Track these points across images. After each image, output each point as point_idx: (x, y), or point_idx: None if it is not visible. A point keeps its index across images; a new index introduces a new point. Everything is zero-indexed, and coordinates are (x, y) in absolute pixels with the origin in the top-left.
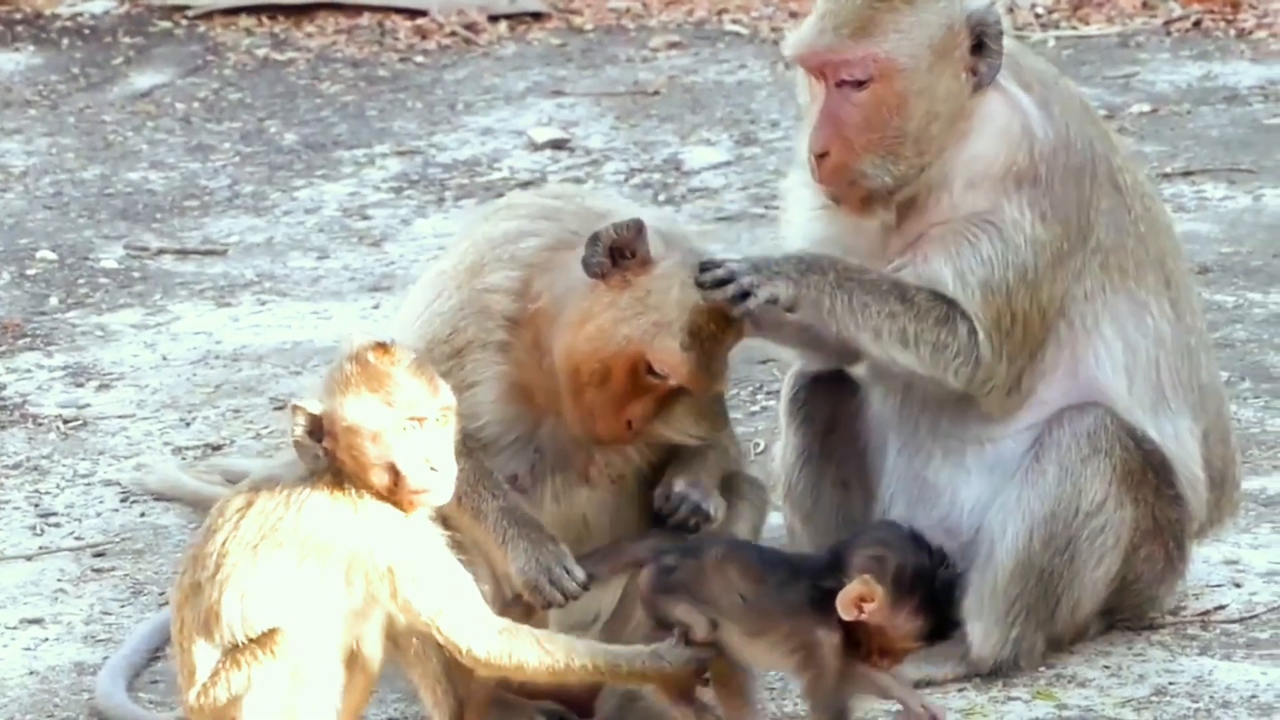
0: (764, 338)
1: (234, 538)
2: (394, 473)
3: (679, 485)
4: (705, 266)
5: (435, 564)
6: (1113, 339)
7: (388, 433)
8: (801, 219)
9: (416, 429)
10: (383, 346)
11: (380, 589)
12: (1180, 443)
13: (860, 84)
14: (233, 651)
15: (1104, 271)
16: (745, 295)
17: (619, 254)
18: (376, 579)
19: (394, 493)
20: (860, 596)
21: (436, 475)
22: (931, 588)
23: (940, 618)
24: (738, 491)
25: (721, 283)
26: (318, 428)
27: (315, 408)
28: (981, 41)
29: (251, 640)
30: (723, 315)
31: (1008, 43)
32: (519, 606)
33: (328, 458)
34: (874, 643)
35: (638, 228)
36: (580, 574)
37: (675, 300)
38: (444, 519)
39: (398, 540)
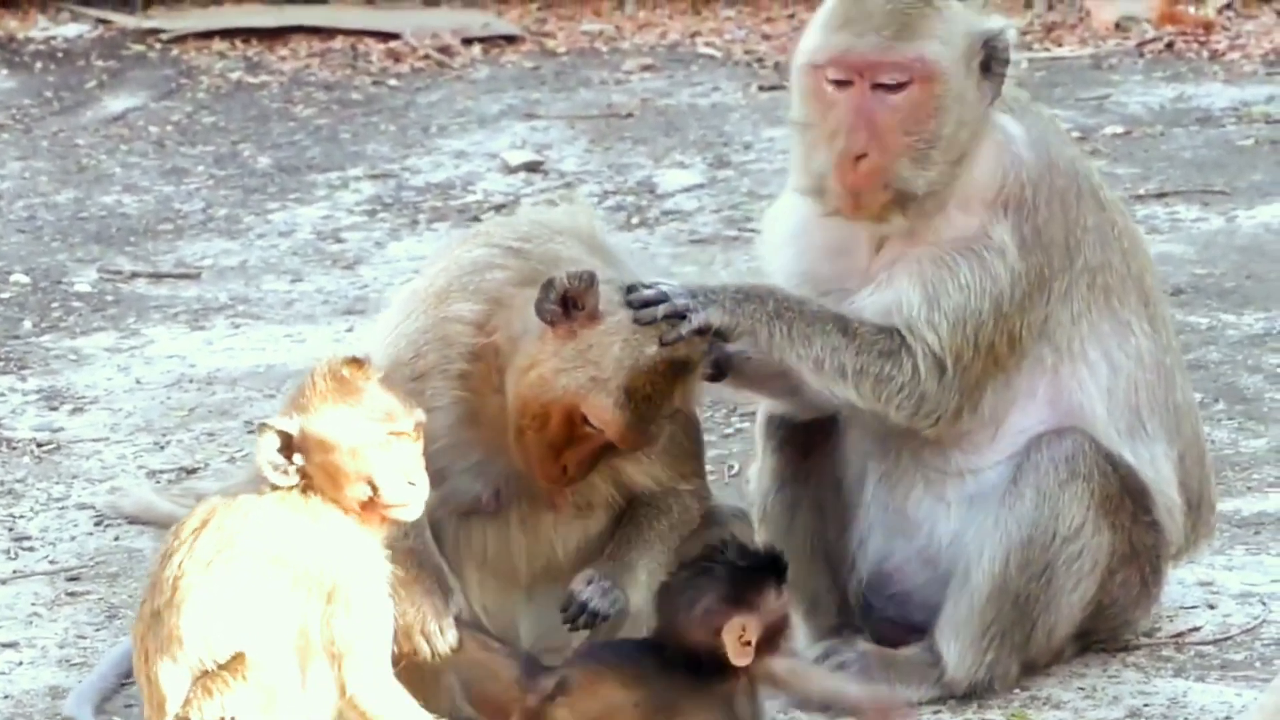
0: (736, 386)
1: (189, 558)
2: (371, 487)
3: (577, 583)
4: (633, 288)
5: (372, 597)
6: (1098, 361)
7: (367, 447)
8: (783, 240)
9: (395, 443)
10: (356, 361)
11: (317, 603)
12: (1156, 468)
13: (897, 87)
14: (202, 679)
15: (1091, 292)
16: (680, 318)
17: (571, 303)
18: (319, 593)
19: (368, 508)
20: (738, 639)
21: (413, 489)
22: (749, 569)
23: (770, 564)
24: (720, 523)
25: (650, 304)
26: (289, 446)
27: (287, 425)
28: (989, 62)
29: (220, 665)
30: (663, 376)
31: None
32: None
33: (298, 475)
34: (766, 644)
35: (590, 280)
36: (452, 637)
37: (614, 358)
38: None
39: (351, 560)
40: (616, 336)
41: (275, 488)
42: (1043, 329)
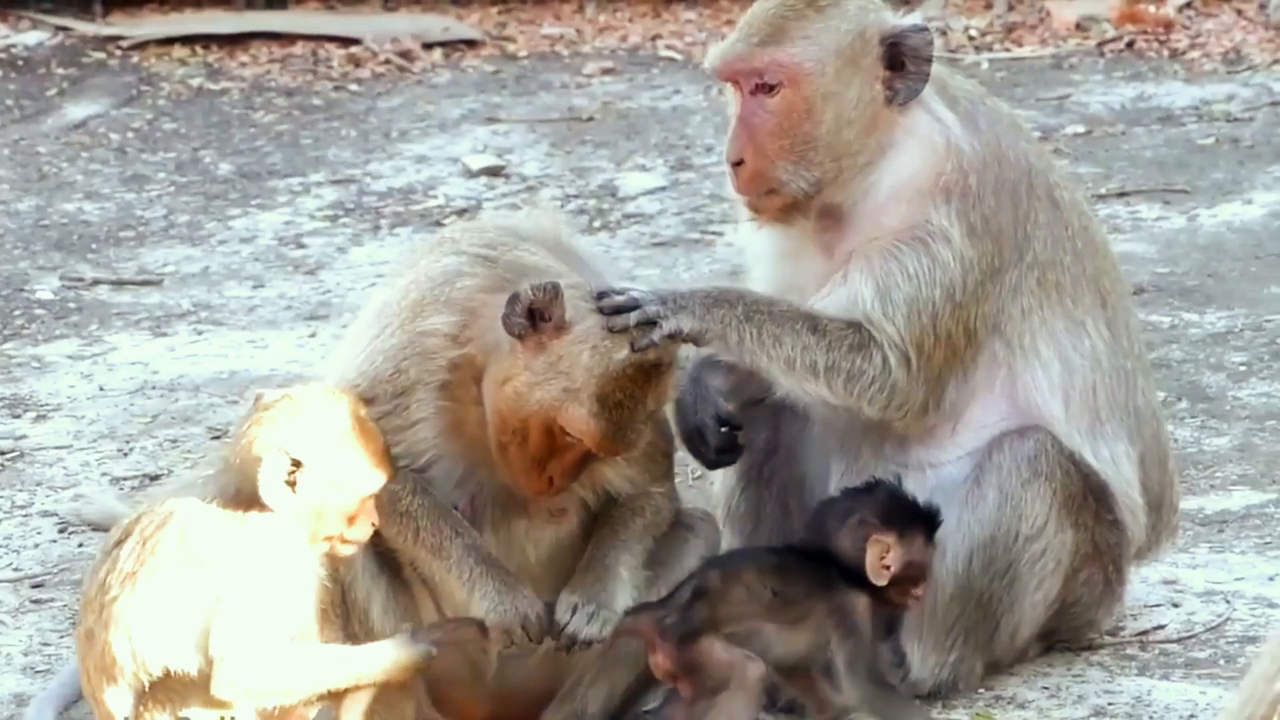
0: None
1: (113, 573)
2: (348, 524)
3: (561, 611)
4: (604, 294)
5: (264, 596)
6: (1050, 359)
7: (367, 493)
8: (753, 249)
9: (381, 488)
10: (368, 404)
11: (212, 593)
12: (1118, 467)
13: (771, 90)
14: (145, 696)
15: (1041, 288)
16: (651, 324)
17: (537, 315)
18: (218, 586)
19: (327, 537)
20: (880, 557)
21: (369, 531)
22: (908, 505)
23: (927, 517)
24: (688, 526)
25: (621, 310)
26: (293, 471)
27: (300, 454)
28: (902, 60)
29: (158, 680)
30: (635, 380)
31: (937, 66)
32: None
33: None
34: (899, 585)
35: (554, 292)
36: (546, 619)
37: (585, 367)
38: (393, 550)
39: (268, 559)
40: (585, 345)
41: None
42: (994, 322)
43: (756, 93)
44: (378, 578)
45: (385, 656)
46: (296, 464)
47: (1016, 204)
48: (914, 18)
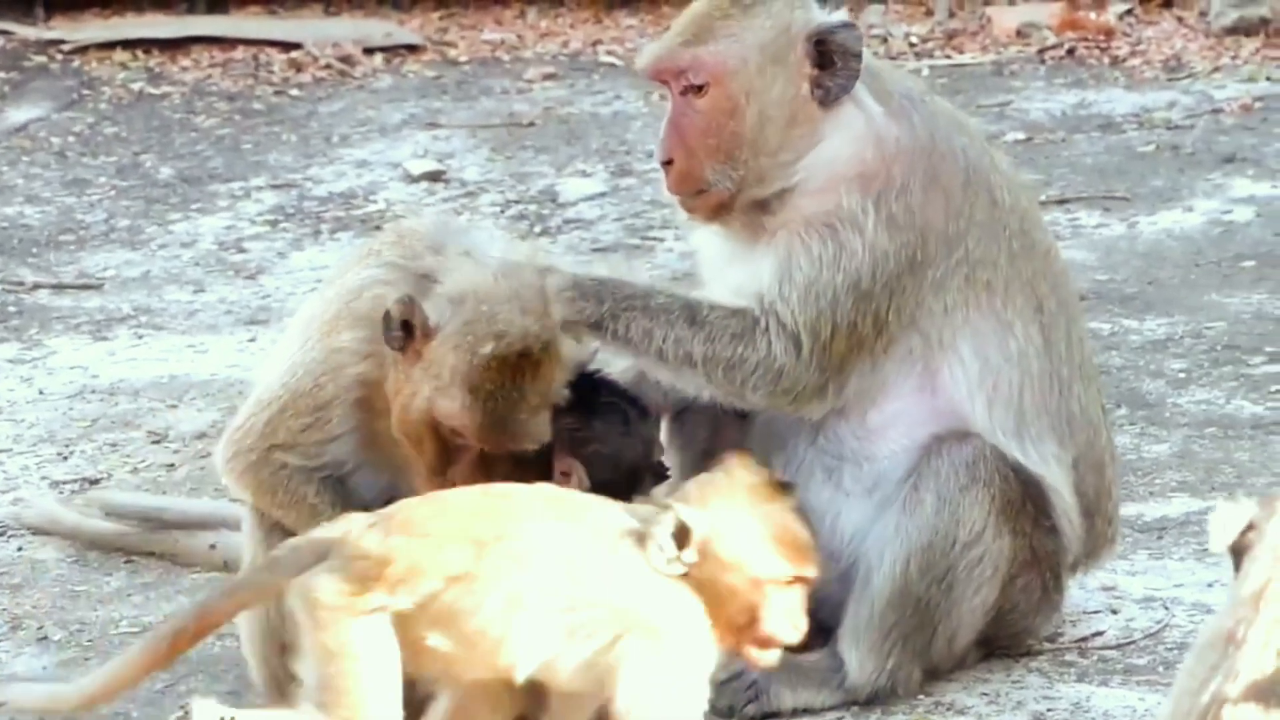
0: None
1: None
2: (753, 618)
3: None
4: None
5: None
6: (970, 358)
7: (769, 583)
8: (702, 248)
9: (795, 585)
10: (785, 486)
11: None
12: (1048, 468)
13: (700, 90)
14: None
15: (969, 286)
16: None
17: (409, 329)
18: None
19: (741, 631)
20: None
21: (795, 633)
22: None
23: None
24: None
25: None
26: (683, 536)
27: (694, 521)
28: (831, 58)
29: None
30: (504, 371)
31: (877, 64)
32: None
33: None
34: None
35: (409, 301)
36: None
37: (451, 364)
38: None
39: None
40: (449, 343)
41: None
42: (913, 316)
43: (686, 93)
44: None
45: None
46: (684, 529)
47: (949, 199)
48: (841, 14)
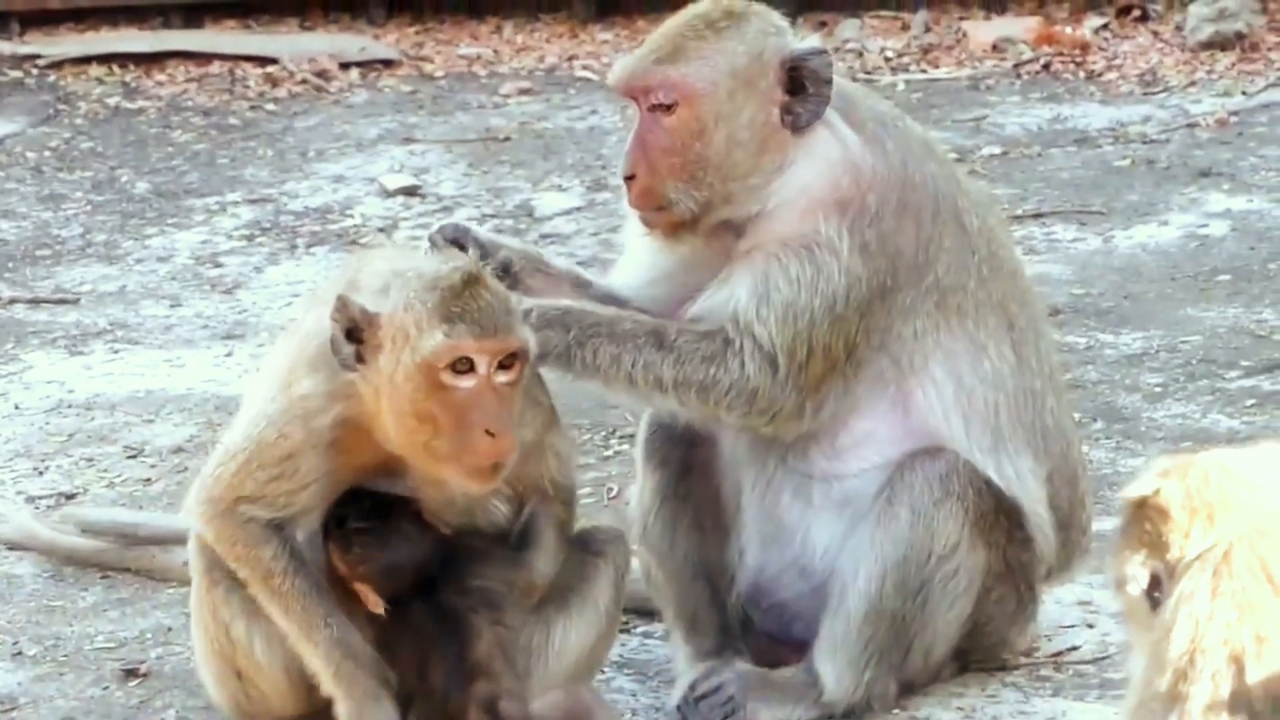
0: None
1: None
2: None
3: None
4: None
5: None
6: (943, 380)
7: None
8: (638, 253)
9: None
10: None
11: None
12: (1023, 483)
13: (668, 109)
14: None
15: (940, 311)
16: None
17: (356, 335)
18: None
19: None
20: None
21: None
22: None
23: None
24: (597, 552)
25: None
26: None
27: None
28: (803, 84)
29: None
30: (461, 290)
31: (850, 88)
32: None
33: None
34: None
35: (342, 303)
36: None
37: (411, 321)
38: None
39: None
40: (399, 312)
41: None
42: (883, 340)
43: (654, 110)
44: (256, 618)
45: None
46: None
47: (919, 227)
48: (813, 40)
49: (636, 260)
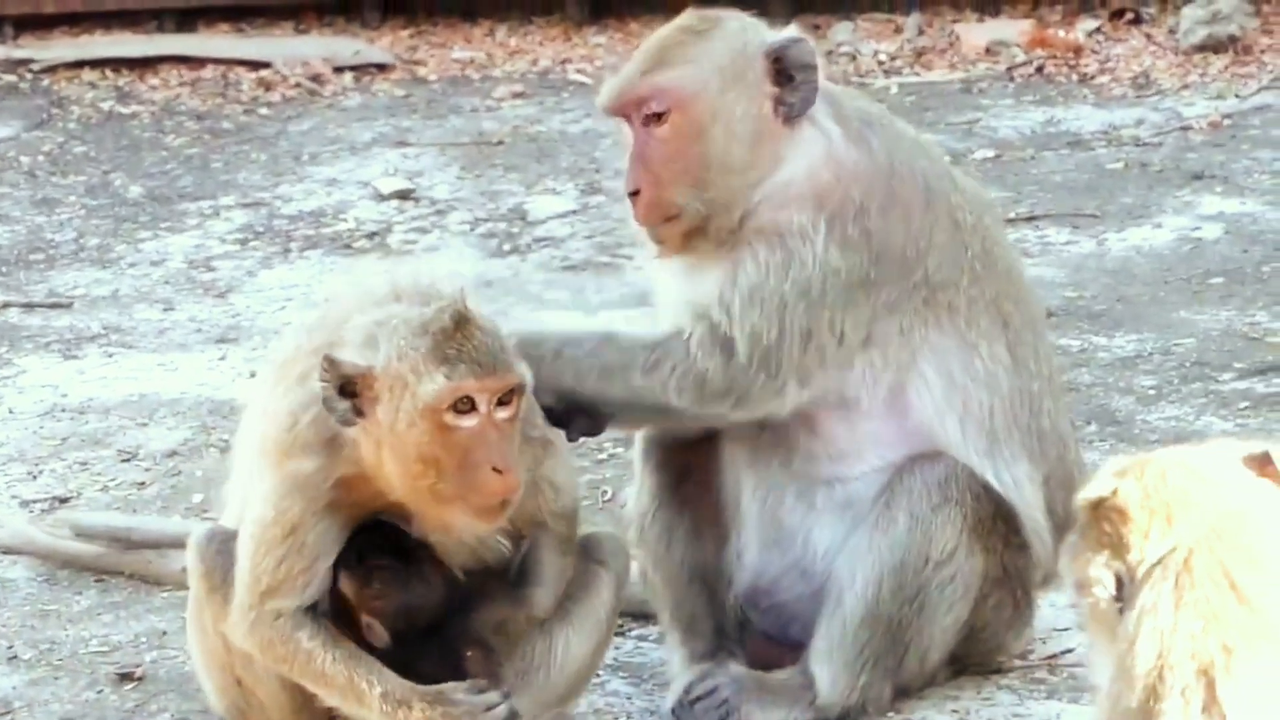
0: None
1: None
2: None
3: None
4: None
5: None
6: (934, 378)
7: None
8: (665, 283)
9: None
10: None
11: None
12: (1020, 488)
13: (660, 118)
14: None
15: (928, 308)
16: None
17: (349, 390)
18: None
19: None
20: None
21: None
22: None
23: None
24: (599, 560)
25: None
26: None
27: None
28: (789, 74)
29: None
30: (452, 329)
31: (837, 90)
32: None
33: None
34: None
35: (329, 362)
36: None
37: (407, 369)
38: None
39: None
40: (393, 361)
41: None
42: (869, 334)
43: (648, 123)
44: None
45: None
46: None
47: (909, 223)
48: (790, 30)
49: (665, 289)
